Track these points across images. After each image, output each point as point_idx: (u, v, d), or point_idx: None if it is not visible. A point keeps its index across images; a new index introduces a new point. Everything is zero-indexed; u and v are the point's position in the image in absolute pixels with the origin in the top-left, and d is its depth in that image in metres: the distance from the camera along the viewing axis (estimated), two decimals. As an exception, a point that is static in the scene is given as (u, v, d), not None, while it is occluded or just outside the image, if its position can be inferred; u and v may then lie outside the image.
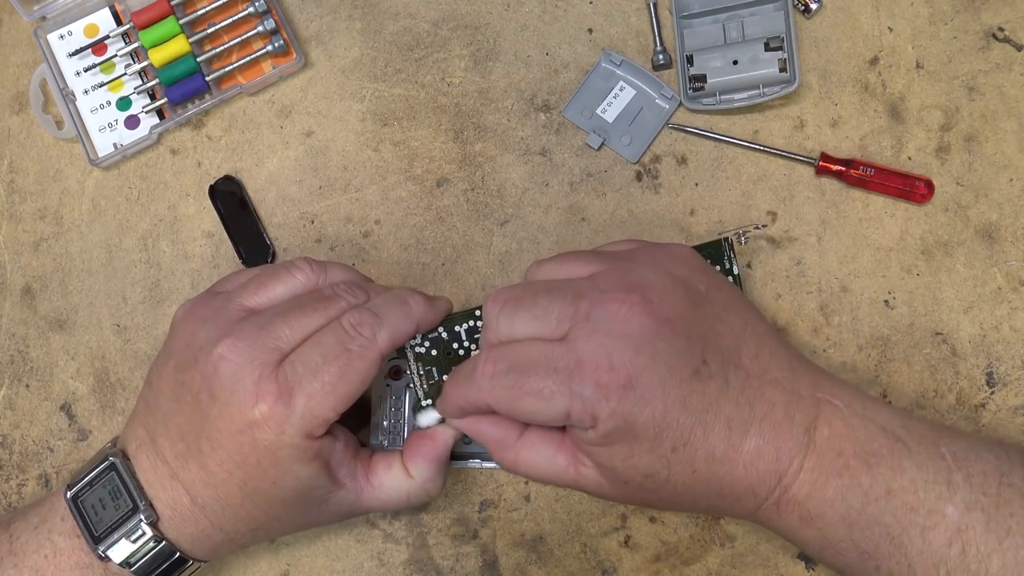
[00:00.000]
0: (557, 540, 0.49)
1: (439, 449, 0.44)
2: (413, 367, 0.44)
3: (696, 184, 0.51)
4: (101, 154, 0.53)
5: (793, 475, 0.39)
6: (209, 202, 0.53)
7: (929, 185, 0.49)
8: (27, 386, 0.52)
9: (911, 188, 0.49)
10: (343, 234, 0.52)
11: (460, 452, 0.49)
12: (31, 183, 0.54)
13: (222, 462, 0.40)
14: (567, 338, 0.39)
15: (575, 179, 0.52)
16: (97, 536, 0.42)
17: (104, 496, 0.42)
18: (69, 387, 0.52)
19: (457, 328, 0.45)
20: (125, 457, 0.43)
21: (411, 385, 0.46)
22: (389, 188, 0.52)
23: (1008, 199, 0.50)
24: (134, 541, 0.42)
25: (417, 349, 0.44)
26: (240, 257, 0.52)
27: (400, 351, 0.44)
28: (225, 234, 0.52)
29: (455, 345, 0.45)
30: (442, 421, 0.44)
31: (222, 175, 0.53)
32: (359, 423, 0.48)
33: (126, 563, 0.42)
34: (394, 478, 0.44)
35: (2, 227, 0.54)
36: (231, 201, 0.52)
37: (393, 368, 0.49)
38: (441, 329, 0.44)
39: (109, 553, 0.42)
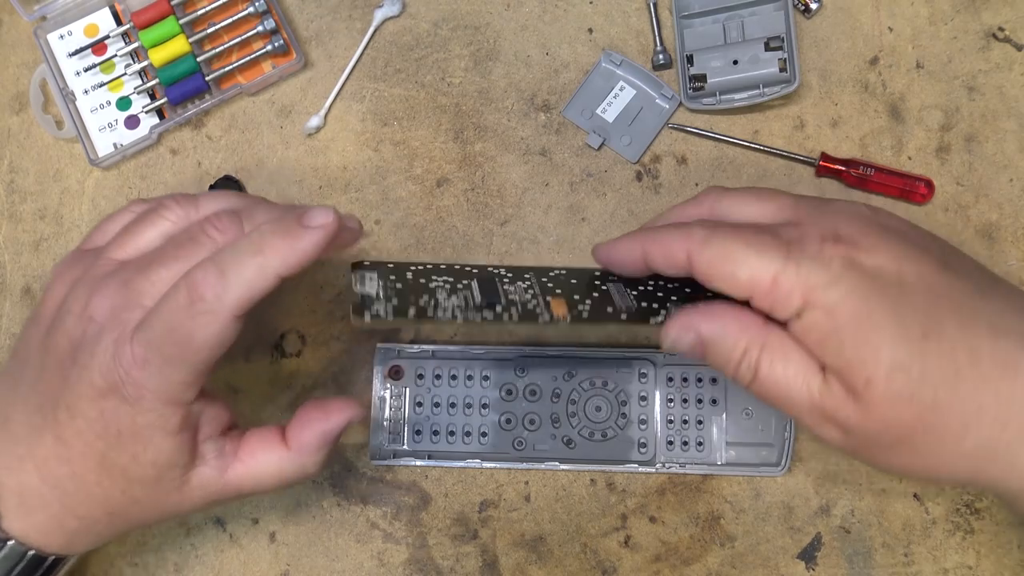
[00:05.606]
0: (557, 540, 0.49)
1: (330, 423, 0.41)
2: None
3: (696, 184, 0.51)
4: (101, 154, 0.53)
5: None
6: (209, 202, 0.53)
7: (929, 185, 0.49)
8: (27, 386, 0.52)
9: (911, 188, 0.49)
10: (343, 234, 0.52)
11: (458, 452, 0.49)
12: (31, 183, 0.54)
13: (80, 431, 0.38)
14: (796, 222, 0.37)
15: (575, 179, 0.52)
16: None
17: None
18: (69, 387, 0.52)
19: (434, 283, 0.38)
20: None
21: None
22: (389, 188, 0.52)
23: (1008, 199, 0.50)
24: None
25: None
26: (240, 257, 0.52)
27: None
28: (225, 234, 0.53)
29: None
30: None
31: (222, 175, 0.53)
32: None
33: None
34: (267, 450, 0.41)
35: (2, 227, 0.54)
36: (231, 201, 0.53)
37: (393, 368, 0.49)
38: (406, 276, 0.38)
39: None
